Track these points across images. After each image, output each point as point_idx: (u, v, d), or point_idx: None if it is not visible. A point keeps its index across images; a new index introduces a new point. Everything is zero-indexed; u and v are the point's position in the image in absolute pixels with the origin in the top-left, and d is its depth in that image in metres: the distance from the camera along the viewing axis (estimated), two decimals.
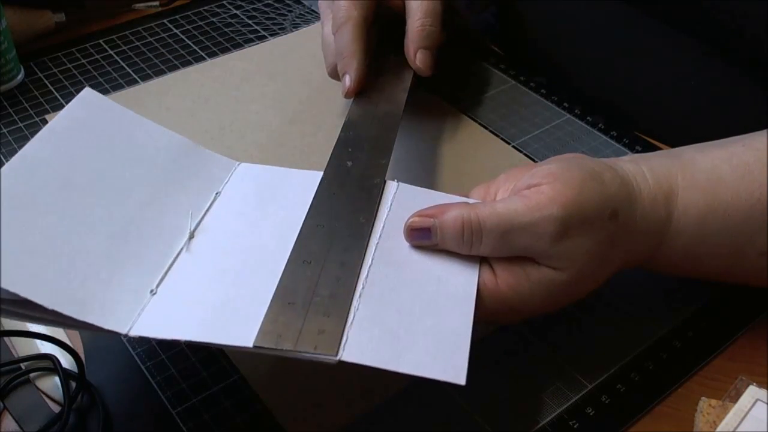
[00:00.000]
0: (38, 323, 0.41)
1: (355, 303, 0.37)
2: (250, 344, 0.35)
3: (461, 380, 0.34)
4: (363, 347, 0.35)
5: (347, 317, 0.36)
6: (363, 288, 0.38)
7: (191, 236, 0.42)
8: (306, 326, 0.36)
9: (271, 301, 0.37)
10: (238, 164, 0.48)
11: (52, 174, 0.41)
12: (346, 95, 0.54)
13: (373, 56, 0.56)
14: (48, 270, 0.37)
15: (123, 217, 0.41)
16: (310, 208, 0.43)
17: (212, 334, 0.36)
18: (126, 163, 0.44)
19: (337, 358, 0.35)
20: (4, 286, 0.35)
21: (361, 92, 0.54)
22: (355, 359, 0.35)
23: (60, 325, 0.40)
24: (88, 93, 0.46)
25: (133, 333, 0.37)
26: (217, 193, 0.45)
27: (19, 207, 0.38)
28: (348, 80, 0.53)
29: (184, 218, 0.43)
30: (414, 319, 0.37)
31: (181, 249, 0.42)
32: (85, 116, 0.45)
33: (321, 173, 0.45)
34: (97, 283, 0.38)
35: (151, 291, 0.39)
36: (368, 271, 0.39)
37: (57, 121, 0.44)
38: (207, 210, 0.44)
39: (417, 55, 0.55)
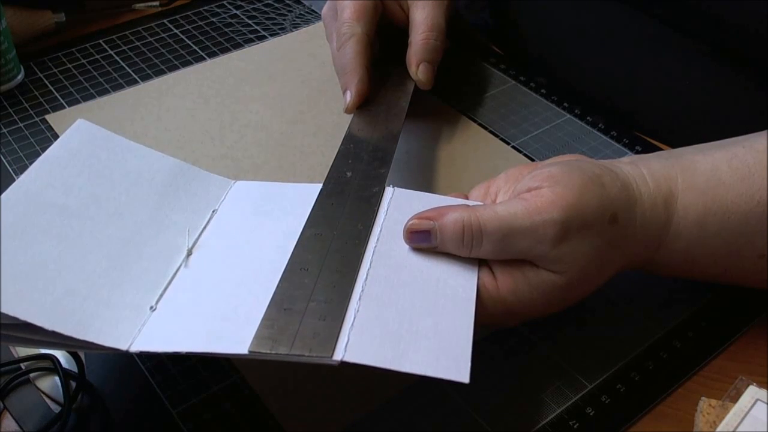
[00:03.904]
0: (39, 347, 0.42)
1: (354, 305, 0.38)
2: (246, 350, 0.35)
3: (465, 378, 0.34)
4: (365, 348, 0.35)
5: (343, 320, 0.37)
6: (363, 290, 0.38)
7: (189, 253, 0.43)
8: (301, 330, 0.36)
9: (268, 307, 0.38)
10: (234, 182, 0.49)
11: (49, 201, 0.42)
12: (346, 111, 0.54)
13: (375, 69, 0.56)
14: (47, 293, 0.38)
15: (121, 238, 0.42)
16: (308, 218, 0.43)
17: (210, 344, 0.37)
18: (121, 187, 0.45)
19: (335, 359, 0.35)
20: (4, 310, 0.35)
21: (362, 104, 0.54)
22: (358, 360, 0.35)
23: (61, 346, 0.41)
24: (81, 123, 0.47)
25: (134, 349, 0.37)
26: (213, 211, 0.46)
27: (16, 233, 0.39)
28: (349, 96, 0.54)
29: (181, 236, 0.44)
30: (415, 319, 0.37)
31: (180, 266, 0.42)
32: (79, 145, 0.46)
33: (318, 186, 0.46)
34: (96, 303, 0.38)
35: (151, 307, 0.40)
36: (367, 274, 0.39)
37: (51, 150, 0.45)
38: (204, 227, 0.45)
39: (419, 68, 0.56)
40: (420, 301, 0.38)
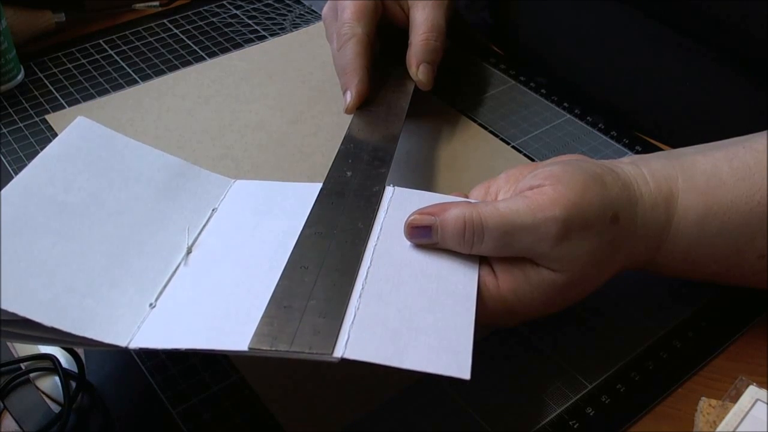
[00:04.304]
0: (39, 343, 0.42)
1: (355, 303, 0.38)
2: (246, 347, 0.35)
3: (466, 375, 0.34)
4: (365, 345, 0.35)
5: (343, 318, 0.37)
6: (363, 288, 0.38)
7: (189, 251, 0.43)
8: (301, 328, 0.36)
9: (267, 305, 0.38)
10: (234, 181, 0.49)
11: (49, 198, 0.42)
12: (346, 111, 0.54)
13: (375, 69, 0.56)
14: (46, 289, 0.38)
15: (120, 236, 0.42)
16: (308, 217, 0.43)
17: (209, 341, 0.37)
18: (121, 185, 0.45)
19: (335, 356, 0.35)
20: (4, 306, 0.35)
21: (362, 105, 0.54)
22: (358, 357, 0.35)
23: (61, 343, 0.41)
24: (81, 120, 0.47)
25: (133, 345, 0.37)
26: (213, 210, 0.46)
27: (16, 230, 0.39)
28: (349, 97, 0.54)
29: (181, 235, 0.44)
30: (415, 316, 0.37)
31: (179, 264, 0.42)
32: (79, 143, 0.46)
33: (318, 185, 0.46)
34: (96, 300, 0.38)
35: (150, 305, 0.40)
36: (367, 272, 0.39)
37: (51, 147, 0.45)
38: (204, 226, 0.45)
39: (419, 69, 0.56)
40: (420, 298, 0.38)
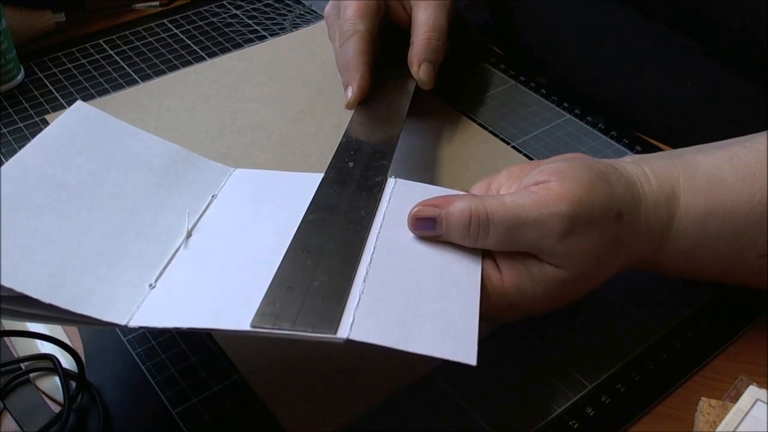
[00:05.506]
0: (38, 321, 0.42)
1: (359, 287, 0.37)
2: (248, 326, 0.35)
3: (472, 360, 0.34)
4: (371, 327, 0.35)
5: (347, 300, 0.36)
6: (367, 273, 0.38)
7: (189, 235, 0.43)
8: (304, 308, 0.36)
9: (270, 286, 0.37)
10: (234, 170, 0.48)
11: (47, 177, 0.42)
12: (348, 107, 0.54)
13: (377, 67, 0.57)
14: (44, 267, 0.37)
15: (119, 218, 0.42)
16: (310, 204, 0.43)
17: (210, 320, 0.36)
18: (120, 169, 0.44)
19: (339, 336, 0.34)
20: (2, 282, 0.35)
21: (363, 102, 0.54)
22: (364, 338, 0.34)
23: (60, 321, 0.40)
24: (80, 105, 0.47)
25: (133, 324, 0.37)
26: (213, 196, 0.46)
27: (14, 208, 0.39)
28: (350, 92, 0.54)
29: (180, 219, 0.43)
30: (420, 303, 0.37)
31: (179, 247, 0.42)
32: (78, 127, 0.45)
33: (319, 175, 0.46)
34: (95, 279, 0.38)
35: (150, 285, 0.39)
36: (371, 258, 0.39)
37: (49, 130, 0.44)
38: (203, 212, 0.45)
39: (421, 68, 0.56)
40: (424, 286, 0.38)
